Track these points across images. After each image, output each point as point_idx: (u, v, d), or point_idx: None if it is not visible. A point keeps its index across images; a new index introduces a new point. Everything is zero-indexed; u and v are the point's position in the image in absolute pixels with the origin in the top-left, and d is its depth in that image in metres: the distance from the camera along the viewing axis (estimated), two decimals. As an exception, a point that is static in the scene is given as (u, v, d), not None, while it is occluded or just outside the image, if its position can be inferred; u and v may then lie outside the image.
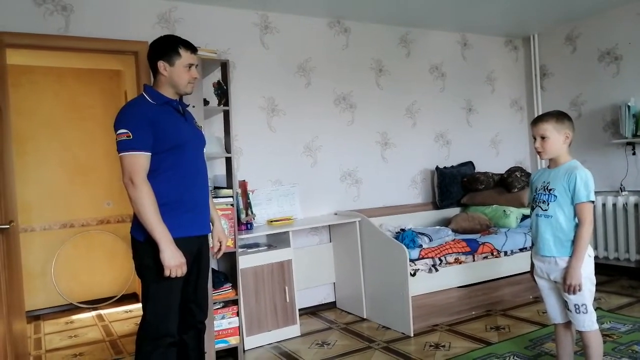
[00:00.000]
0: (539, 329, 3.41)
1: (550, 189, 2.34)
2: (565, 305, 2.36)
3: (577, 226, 2.29)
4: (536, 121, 2.38)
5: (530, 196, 2.50)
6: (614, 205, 4.57)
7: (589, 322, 2.30)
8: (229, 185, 3.37)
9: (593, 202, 2.27)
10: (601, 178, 4.76)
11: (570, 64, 5.08)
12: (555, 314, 2.47)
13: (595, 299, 3.88)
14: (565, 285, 2.27)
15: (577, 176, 2.25)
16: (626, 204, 4.48)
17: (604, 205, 4.64)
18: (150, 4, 3.62)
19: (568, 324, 2.43)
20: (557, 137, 2.32)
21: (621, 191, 4.58)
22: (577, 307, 2.29)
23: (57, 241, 4.96)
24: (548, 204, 2.34)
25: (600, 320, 3.38)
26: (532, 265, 2.52)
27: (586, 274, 2.29)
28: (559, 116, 2.35)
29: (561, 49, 5.14)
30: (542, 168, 2.57)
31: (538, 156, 2.43)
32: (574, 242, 2.29)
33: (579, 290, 2.26)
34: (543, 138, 2.33)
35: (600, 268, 4.64)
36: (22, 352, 2.91)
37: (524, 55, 5.53)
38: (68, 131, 5.07)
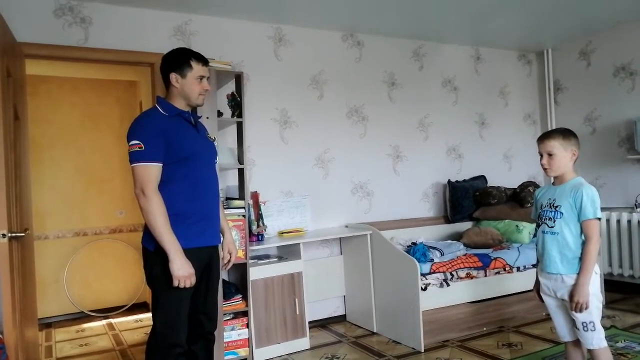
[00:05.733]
0: (552, 346, 3.36)
1: (557, 206, 2.34)
2: (573, 323, 2.33)
3: (584, 243, 2.28)
4: (543, 138, 2.40)
5: (535, 213, 2.51)
6: (629, 221, 4.50)
7: (597, 339, 2.27)
8: (241, 196, 3.39)
9: (599, 219, 2.28)
10: (616, 194, 4.71)
11: (584, 79, 5.05)
12: (564, 332, 2.44)
13: (609, 317, 3.85)
14: (573, 303, 2.26)
15: (583, 193, 2.26)
16: (641, 220, 4.42)
17: (618, 221, 4.58)
18: (166, 17, 3.68)
19: (578, 342, 2.40)
20: (563, 155, 2.33)
21: (636, 207, 4.52)
22: (584, 325, 2.27)
23: (70, 249, 5.01)
24: (554, 220, 2.34)
25: (614, 339, 3.35)
26: (537, 282, 2.52)
27: (593, 291, 2.27)
28: (566, 133, 2.37)
29: (575, 63, 5.12)
30: (547, 185, 2.57)
31: (544, 173, 2.44)
32: (581, 259, 2.28)
33: (586, 308, 2.24)
34: (550, 155, 2.35)
35: (615, 286, 4.60)
36: (33, 360, 2.93)
37: (538, 69, 5.51)
38: (83, 140, 5.14)
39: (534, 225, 4.32)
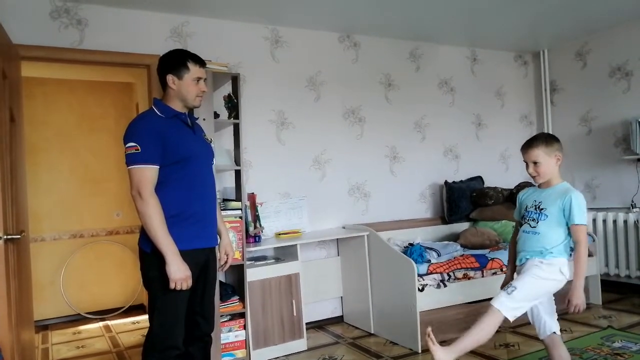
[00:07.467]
0: (548, 346, 3.36)
1: (542, 209, 2.39)
2: (543, 320, 2.43)
3: (574, 247, 2.34)
4: (526, 147, 2.44)
5: (519, 214, 2.55)
6: (625, 222, 4.52)
7: (500, 301, 2.31)
8: (238, 198, 3.39)
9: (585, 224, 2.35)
10: (612, 194, 4.74)
11: (580, 80, 5.07)
12: (538, 329, 2.50)
13: (606, 317, 3.87)
14: (571, 306, 2.28)
15: (572, 199, 2.31)
16: (637, 220, 4.43)
17: (614, 222, 4.59)
18: (163, 19, 3.68)
19: (554, 338, 2.44)
20: (548, 161, 2.39)
21: (632, 208, 4.54)
22: (509, 285, 2.33)
23: (66, 251, 4.99)
24: (537, 221, 2.39)
25: (611, 339, 3.36)
26: (507, 279, 2.57)
27: (546, 276, 2.32)
28: (548, 139, 2.42)
29: (571, 64, 5.13)
30: (532, 187, 2.60)
31: (533, 180, 2.49)
32: (555, 255, 2.33)
33: (584, 308, 2.27)
34: (535, 163, 2.39)
35: (611, 286, 4.62)
36: (30, 362, 2.92)
37: (534, 70, 5.52)
38: (79, 142, 5.13)
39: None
